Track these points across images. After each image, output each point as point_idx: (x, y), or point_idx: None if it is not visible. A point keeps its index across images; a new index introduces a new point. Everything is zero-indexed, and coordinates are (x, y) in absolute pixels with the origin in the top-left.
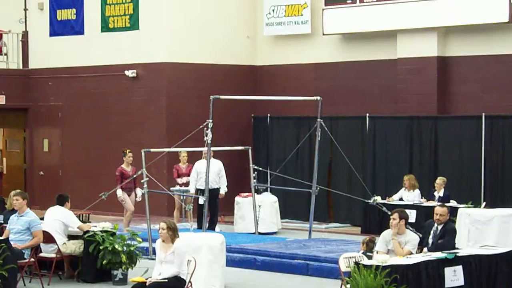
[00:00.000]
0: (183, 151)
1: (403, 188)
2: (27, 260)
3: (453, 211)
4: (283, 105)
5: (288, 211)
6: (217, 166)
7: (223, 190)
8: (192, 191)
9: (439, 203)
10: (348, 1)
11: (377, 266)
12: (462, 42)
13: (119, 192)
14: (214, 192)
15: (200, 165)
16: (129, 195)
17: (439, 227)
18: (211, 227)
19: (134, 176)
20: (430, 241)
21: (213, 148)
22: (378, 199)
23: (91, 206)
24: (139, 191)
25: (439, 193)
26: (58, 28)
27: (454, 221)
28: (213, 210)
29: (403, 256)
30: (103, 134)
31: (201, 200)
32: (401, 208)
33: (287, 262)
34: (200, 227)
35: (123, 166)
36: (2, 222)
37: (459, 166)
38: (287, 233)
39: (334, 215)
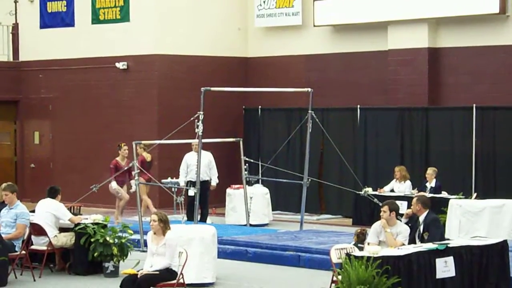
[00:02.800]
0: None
1: (394, 180)
2: (18, 253)
3: (444, 202)
4: (274, 96)
5: (280, 202)
6: (207, 158)
7: (214, 182)
8: (182, 183)
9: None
10: None
11: (368, 258)
12: (453, 33)
13: (114, 184)
14: (204, 184)
15: (189, 157)
16: (121, 187)
17: (420, 219)
18: (202, 219)
19: (125, 168)
20: (416, 234)
21: (204, 140)
22: (369, 190)
23: (82, 199)
24: (133, 183)
25: (431, 183)
26: (48, 20)
27: (445, 212)
28: (204, 202)
29: (395, 248)
30: (94, 126)
31: (191, 192)
32: (392, 199)
33: (279, 253)
34: (190, 219)
35: (117, 159)
36: None
37: (450, 157)
38: (278, 224)
39: (325, 206)
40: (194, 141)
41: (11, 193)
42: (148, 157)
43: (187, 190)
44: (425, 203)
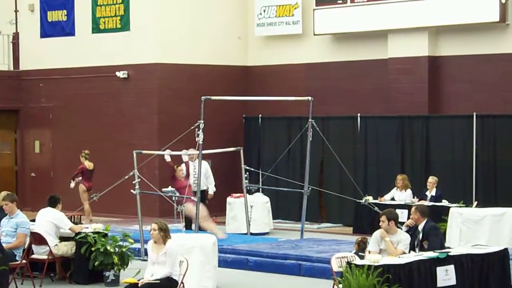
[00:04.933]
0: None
1: (395, 188)
2: (18, 262)
3: (445, 211)
4: (275, 105)
5: (280, 211)
6: (203, 167)
7: (211, 190)
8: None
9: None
10: (338, 1)
11: (369, 266)
12: (453, 41)
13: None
14: (202, 193)
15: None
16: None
17: (419, 228)
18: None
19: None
20: (415, 243)
21: (205, 151)
22: (370, 199)
23: (82, 208)
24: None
25: (431, 192)
26: (48, 30)
27: (446, 220)
28: None
29: (396, 256)
30: (94, 135)
31: None
32: (393, 208)
33: (279, 262)
34: (188, 228)
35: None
36: None
37: (450, 166)
38: (279, 233)
39: (326, 215)
40: (190, 152)
41: (11, 203)
42: (90, 165)
43: (182, 200)
44: (424, 212)
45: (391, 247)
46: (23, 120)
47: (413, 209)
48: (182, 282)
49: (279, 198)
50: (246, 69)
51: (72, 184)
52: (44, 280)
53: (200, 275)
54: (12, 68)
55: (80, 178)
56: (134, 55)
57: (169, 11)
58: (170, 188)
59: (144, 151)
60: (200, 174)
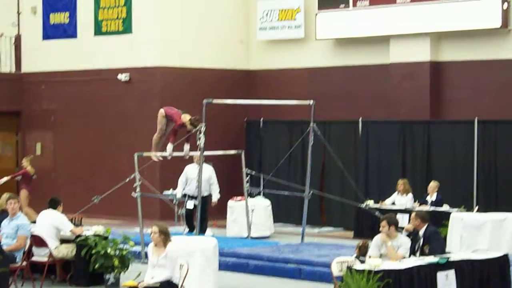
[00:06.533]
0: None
1: (396, 192)
2: (19, 264)
3: (446, 216)
4: (276, 109)
5: (281, 215)
6: (207, 172)
7: (215, 197)
8: (179, 195)
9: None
10: (341, 6)
11: (370, 271)
12: (455, 47)
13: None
14: (203, 199)
15: (189, 169)
16: None
17: (420, 233)
18: (201, 233)
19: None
20: (415, 248)
21: (206, 152)
22: (371, 203)
23: (83, 210)
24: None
25: (432, 197)
26: (51, 32)
27: (446, 225)
28: (203, 217)
29: (396, 260)
30: (96, 137)
31: (189, 205)
32: (393, 213)
33: (280, 266)
34: (190, 230)
35: None
36: None
37: (451, 171)
38: (279, 237)
39: (326, 219)
40: (196, 153)
41: (19, 203)
42: (32, 171)
43: (183, 202)
44: (424, 218)
45: (392, 252)
46: (24, 122)
47: (413, 215)
48: (182, 286)
49: (280, 201)
50: (248, 73)
51: (2, 180)
52: (44, 283)
53: (201, 278)
54: (14, 70)
55: (20, 178)
56: (136, 58)
57: (171, 14)
58: (171, 191)
59: (145, 153)
60: (201, 177)
